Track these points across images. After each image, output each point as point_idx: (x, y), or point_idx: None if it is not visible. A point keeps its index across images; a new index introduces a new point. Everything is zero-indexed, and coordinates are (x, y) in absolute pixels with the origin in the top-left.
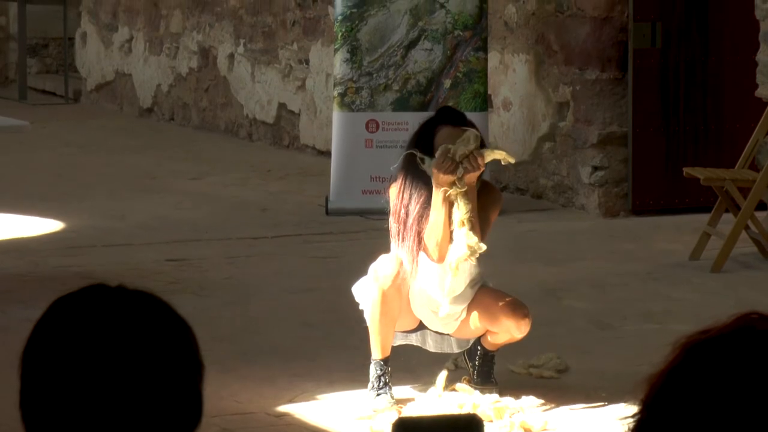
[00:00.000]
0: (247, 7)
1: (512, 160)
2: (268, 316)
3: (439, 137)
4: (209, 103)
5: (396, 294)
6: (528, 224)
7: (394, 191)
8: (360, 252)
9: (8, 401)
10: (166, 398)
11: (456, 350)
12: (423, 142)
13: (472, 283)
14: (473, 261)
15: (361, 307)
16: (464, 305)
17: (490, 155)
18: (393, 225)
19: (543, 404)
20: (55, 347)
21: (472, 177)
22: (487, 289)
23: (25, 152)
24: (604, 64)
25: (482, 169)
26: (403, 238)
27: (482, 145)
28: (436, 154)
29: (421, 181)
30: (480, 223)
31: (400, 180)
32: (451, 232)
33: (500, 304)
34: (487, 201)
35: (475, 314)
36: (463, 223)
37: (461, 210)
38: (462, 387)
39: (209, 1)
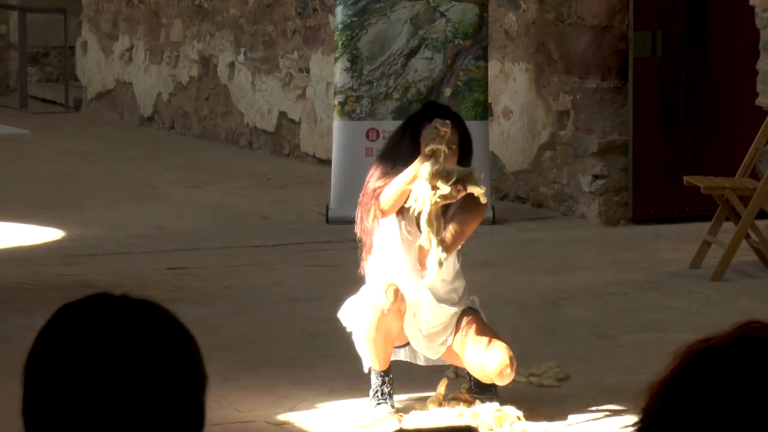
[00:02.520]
0: (247, 16)
1: (484, 200)
2: (268, 324)
3: (426, 135)
4: (210, 111)
5: (396, 316)
6: (528, 233)
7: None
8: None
9: (9, 409)
10: (169, 408)
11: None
12: (410, 137)
13: (455, 281)
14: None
15: (349, 330)
16: (451, 311)
17: (472, 189)
18: (357, 213)
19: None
20: (58, 355)
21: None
22: (474, 321)
23: (26, 161)
24: (605, 72)
25: (456, 200)
26: (362, 219)
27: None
28: (429, 128)
29: (393, 167)
30: (454, 231)
31: (372, 170)
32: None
33: (484, 348)
34: (467, 212)
35: (458, 347)
36: (438, 242)
37: (431, 227)
38: (462, 395)
39: (210, 10)
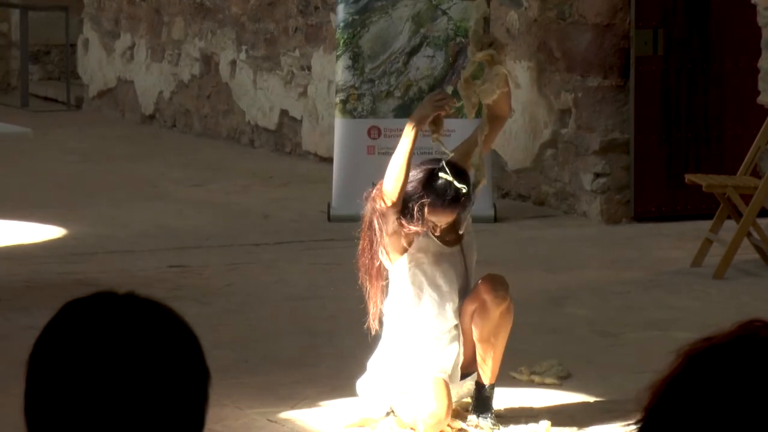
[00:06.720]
0: (249, 14)
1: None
2: (269, 323)
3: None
4: (211, 110)
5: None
6: (530, 231)
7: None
8: None
9: (11, 407)
10: (172, 406)
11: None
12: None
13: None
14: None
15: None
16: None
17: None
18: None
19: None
20: (62, 352)
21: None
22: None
23: (27, 159)
24: (606, 71)
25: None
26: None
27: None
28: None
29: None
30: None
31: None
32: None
33: (478, 283)
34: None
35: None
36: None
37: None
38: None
39: (211, 8)
